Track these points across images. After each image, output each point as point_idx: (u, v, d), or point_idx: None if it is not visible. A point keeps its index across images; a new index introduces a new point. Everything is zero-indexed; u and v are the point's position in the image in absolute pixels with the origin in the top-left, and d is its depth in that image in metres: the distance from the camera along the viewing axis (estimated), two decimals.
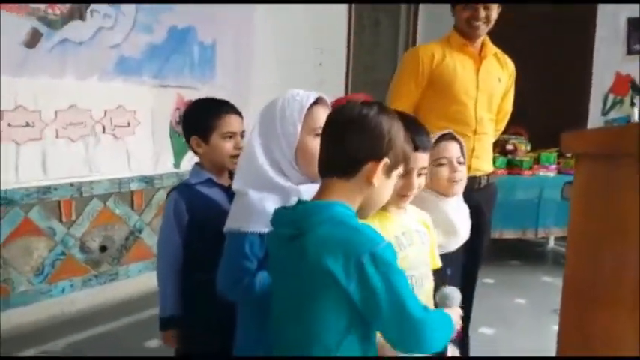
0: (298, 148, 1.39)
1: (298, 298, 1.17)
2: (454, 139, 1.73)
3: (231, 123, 1.77)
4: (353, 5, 4.92)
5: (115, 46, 3.25)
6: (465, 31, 2.35)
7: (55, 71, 2.98)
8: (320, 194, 1.20)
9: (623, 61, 4.72)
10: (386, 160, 1.15)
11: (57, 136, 3.03)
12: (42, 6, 2.90)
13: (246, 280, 1.38)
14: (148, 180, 3.52)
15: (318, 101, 1.42)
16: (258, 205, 1.37)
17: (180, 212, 1.73)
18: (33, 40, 2.88)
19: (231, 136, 1.76)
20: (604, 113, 4.84)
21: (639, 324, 1.69)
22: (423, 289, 1.43)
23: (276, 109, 1.41)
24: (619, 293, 1.75)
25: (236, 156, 1.72)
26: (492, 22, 2.34)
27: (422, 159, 1.44)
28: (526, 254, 4.65)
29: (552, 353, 1.85)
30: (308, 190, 1.33)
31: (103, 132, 3.23)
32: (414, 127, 1.41)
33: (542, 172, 4.20)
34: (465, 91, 2.35)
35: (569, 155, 4.10)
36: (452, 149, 1.70)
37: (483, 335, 2.57)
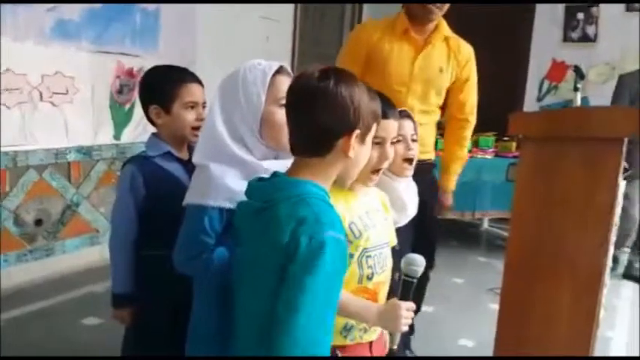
0: (263, 118, 1.36)
1: (255, 268, 1.16)
2: (408, 116, 1.74)
3: (194, 92, 1.70)
4: None
5: (53, 8, 3.06)
6: (418, 14, 2.25)
7: None
8: (293, 171, 1.18)
9: (560, 48, 4.91)
10: (357, 131, 1.13)
11: None
12: None
13: (204, 255, 1.35)
14: (86, 151, 3.37)
15: (280, 70, 1.39)
16: (218, 179, 1.34)
17: (136, 186, 1.66)
18: None
19: (193, 106, 1.69)
20: (539, 99, 5.04)
21: (576, 296, 1.81)
22: (385, 269, 1.44)
23: (238, 79, 1.37)
24: (558, 268, 1.84)
25: (197, 127, 1.67)
26: (446, 4, 2.24)
27: (393, 127, 1.43)
28: (461, 235, 4.80)
29: (489, 330, 1.93)
30: (272, 167, 1.31)
31: (41, 99, 3.06)
32: (382, 97, 1.41)
33: (480, 155, 4.31)
34: (398, 78, 2.28)
35: (506, 138, 4.26)
36: (407, 126, 1.72)
37: (424, 313, 2.65)
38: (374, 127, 1.19)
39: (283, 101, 1.25)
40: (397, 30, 2.28)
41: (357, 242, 1.34)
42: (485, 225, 5.02)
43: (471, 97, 2.40)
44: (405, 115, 1.73)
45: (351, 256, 1.33)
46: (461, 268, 3.94)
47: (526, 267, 1.91)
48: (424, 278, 2.33)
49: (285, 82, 1.34)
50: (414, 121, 1.72)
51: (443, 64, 2.30)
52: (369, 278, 1.37)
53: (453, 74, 2.32)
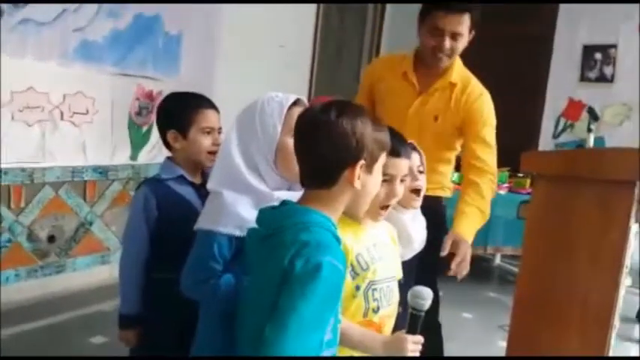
0: (278, 149, 1.39)
1: (257, 294, 1.17)
2: (414, 148, 1.75)
3: (211, 118, 1.74)
4: (321, 5, 4.92)
5: (79, 29, 3.14)
6: (426, 57, 2.14)
7: (14, 51, 2.86)
8: (302, 200, 1.20)
9: (577, 87, 4.92)
10: (361, 162, 1.15)
11: (12, 119, 2.90)
12: None
13: (211, 281, 1.37)
14: (102, 170, 3.41)
15: (297, 102, 1.43)
16: (230, 206, 1.37)
17: (149, 207, 1.69)
18: None
19: (209, 131, 1.73)
20: (555, 136, 5.03)
21: (585, 339, 1.78)
22: (391, 303, 1.44)
23: (255, 110, 1.41)
24: (568, 310, 1.83)
25: (213, 152, 1.70)
26: (457, 54, 2.12)
27: (404, 165, 1.45)
28: (473, 270, 4.72)
29: None
30: (284, 197, 1.33)
31: (61, 118, 3.12)
32: (393, 133, 1.42)
33: None
34: (393, 121, 2.07)
35: (520, 175, 4.24)
36: (413, 158, 1.72)
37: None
38: (382, 156, 1.20)
39: None
40: (398, 69, 2.20)
41: (364, 274, 1.35)
42: (498, 260, 4.98)
43: (480, 144, 2.11)
44: (412, 147, 1.74)
45: (358, 288, 1.33)
46: (471, 304, 3.89)
47: (535, 306, 1.89)
48: (435, 323, 2.29)
49: None
50: (420, 153, 1.73)
51: (439, 112, 2.14)
52: (375, 311, 1.37)
53: (452, 122, 2.14)
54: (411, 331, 1.35)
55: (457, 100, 2.13)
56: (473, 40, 2.13)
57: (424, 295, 1.38)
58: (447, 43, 2.04)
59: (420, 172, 1.70)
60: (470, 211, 2.04)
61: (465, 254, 1.85)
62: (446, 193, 2.28)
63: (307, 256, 1.06)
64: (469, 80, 2.16)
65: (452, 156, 2.25)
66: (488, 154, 2.10)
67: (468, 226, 2.01)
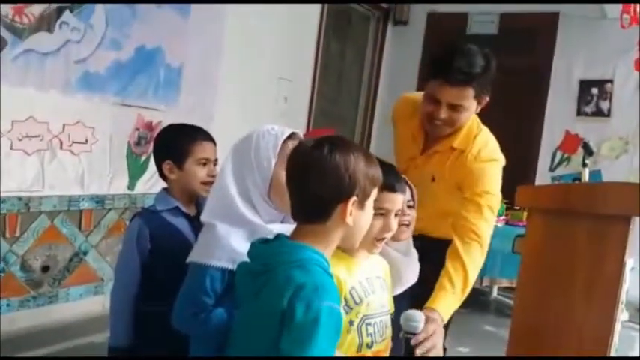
0: (272, 182, 1.40)
1: (250, 330, 1.17)
2: (405, 183, 1.75)
3: (207, 150, 1.77)
4: (322, 38, 4.99)
5: (81, 60, 3.18)
6: (425, 126, 2.00)
7: (16, 81, 2.88)
8: (295, 235, 1.20)
9: (574, 121, 4.95)
10: (353, 198, 1.15)
11: (12, 148, 2.91)
12: (10, 13, 2.81)
13: (202, 315, 1.37)
14: (99, 200, 3.41)
15: (292, 136, 1.45)
16: (223, 239, 1.37)
17: (143, 239, 1.70)
18: None
19: (205, 162, 1.76)
20: (552, 169, 5.05)
21: None
22: (385, 337, 1.43)
23: (251, 142, 1.43)
24: (564, 345, 1.81)
25: (209, 183, 1.71)
26: (460, 124, 1.93)
27: (399, 200, 1.46)
28: (470, 302, 4.69)
29: None
30: (277, 230, 1.34)
31: (60, 147, 3.13)
32: (389, 168, 1.44)
33: None
34: (399, 166, 2.09)
35: (517, 207, 4.25)
36: None
37: None
38: (374, 192, 1.21)
39: None
40: (409, 124, 2.09)
41: (357, 308, 1.34)
42: (495, 294, 4.94)
43: (471, 206, 1.92)
44: (404, 181, 1.75)
45: (351, 323, 1.33)
46: (467, 337, 3.84)
47: (530, 340, 1.88)
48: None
49: None
50: (411, 187, 1.73)
51: (436, 173, 2.03)
52: (369, 346, 1.37)
53: (449, 184, 2.01)
54: (408, 354, 1.38)
55: (454, 163, 2.00)
56: (486, 106, 1.97)
57: (416, 317, 1.40)
58: (444, 113, 1.88)
59: (410, 207, 1.70)
60: (450, 289, 1.80)
61: (432, 333, 1.55)
62: None
63: (306, 301, 1.06)
64: (474, 143, 1.98)
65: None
66: (473, 213, 1.89)
67: (445, 305, 1.76)
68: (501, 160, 2.02)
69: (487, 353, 3.47)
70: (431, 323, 1.58)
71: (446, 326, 2.05)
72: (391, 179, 1.39)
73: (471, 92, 1.87)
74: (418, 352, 1.48)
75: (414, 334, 1.41)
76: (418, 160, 2.08)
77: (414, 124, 2.08)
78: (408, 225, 1.69)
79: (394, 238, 1.66)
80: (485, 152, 1.98)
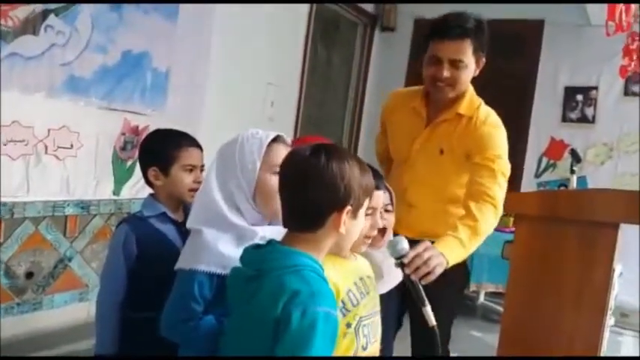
0: (257, 185, 1.40)
1: (243, 336, 1.16)
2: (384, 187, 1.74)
3: (193, 156, 1.75)
4: (309, 43, 4.99)
5: (66, 64, 3.13)
6: (429, 89, 2.05)
7: (1, 84, 2.83)
8: (287, 241, 1.19)
9: (559, 127, 5.00)
10: (348, 207, 1.15)
11: None
12: None
13: (191, 322, 1.36)
14: (84, 205, 3.36)
15: (277, 139, 1.45)
16: (211, 244, 1.36)
17: (129, 245, 1.68)
18: None
19: (191, 169, 1.74)
20: (537, 175, 5.08)
21: None
22: (377, 337, 1.43)
23: (235, 146, 1.43)
24: (554, 351, 1.82)
25: (195, 189, 1.70)
26: (463, 84, 1.99)
27: (382, 197, 1.49)
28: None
29: None
30: (265, 232, 1.34)
31: (45, 152, 3.08)
32: (371, 168, 1.44)
33: None
34: (398, 154, 2.17)
35: (504, 213, 4.26)
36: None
37: None
38: (366, 201, 1.22)
39: (277, 169, 1.30)
40: (409, 103, 2.12)
41: (355, 311, 1.34)
42: (482, 299, 4.95)
43: (480, 169, 1.92)
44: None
45: (349, 325, 1.32)
46: (455, 343, 3.83)
47: (520, 349, 1.88)
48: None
49: (281, 151, 1.40)
50: (390, 191, 1.72)
51: (444, 144, 2.03)
52: (364, 348, 1.36)
53: (458, 154, 2.01)
54: (419, 297, 1.46)
55: (462, 131, 2.00)
56: (483, 69, 2.02)
57: (400, 241, 1.49)
58: (446, 71, 1.93)
59: (387, 211, 1.70)
60: (452, 235, 1.80)
61: (423, 251, 1.57)
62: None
63: (302, 307, 1.05)
64: (479, 111, 2.03)
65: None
66: (487, 178, 1.90)
67: (446, 245, 1.75)
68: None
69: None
70: (421, 245, 1.61)
71: (446, 331, 2.05)
72: (375, 178, 1.40)
73: (468, 46, 1.93)
74: (413, 276, 1.52)
75: (405, 256, 1.48)
76: (423, 135, 2.06)
77: (415, 102, 2.10)
78: (385, 229, 1.68)
79: (372, 244, 1.65)
80: (492, 118, 2.03)
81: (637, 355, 4.01)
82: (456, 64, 1.94)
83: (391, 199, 1.72)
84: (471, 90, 2.06)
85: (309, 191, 1.14)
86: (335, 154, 1.16)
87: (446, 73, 1.94)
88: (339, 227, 1.15)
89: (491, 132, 1.99)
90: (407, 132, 2.11)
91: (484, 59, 2.01)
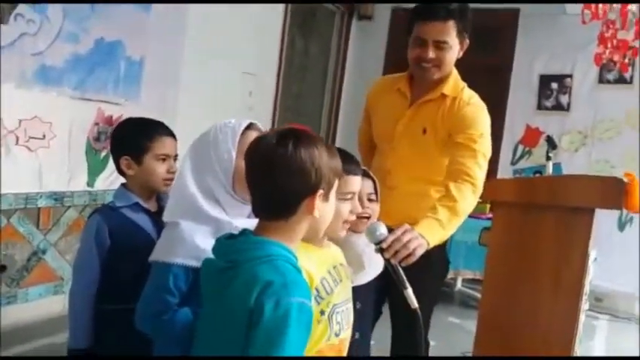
0: (235, 174, 1.38)
1: (217, 328, 1.14)
2: (368, 175, 1.74)
3: (166, 145, 1.72)
4: (286, 33, 4.95)
5: (37, 53, 3.06)
6: (414, 72, 2.06)
7: None
8: (259, 230, 1.18)
9: (534, 115, 5.05)
10: (320, 191, 1.15)
11: None
12: None
13: (166, 315, 1.34)
14: (58, 197, 3.30)
15: (250, 127, 1.44)
16: (187, 236, 1.35)
17: (102, 236, 1.64)
18: None
19: (164, 158, 1.71)
20: (513, 162, 5.13)
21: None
22: (349, 324, 1.43)
23: (208, 138, 1.42)
24: (532, 337, 1.84)
25: (169, 179, 1.67)
26: (448, 65, 2.01)
27: (359, 182, 1.49)
28: None
29: None
30: (243, 225, 1.32)
31: (16, 143, 3.02)
32: (347, 156, 1.46)
33: None
34: (382, 136, 2.16)
35: (480, 200, 4.30)
36: (365, 185, 1.71)
37: None
38: (336, 182, 1.21)
39: None
40: (394, 86, 2.13)
41: (329, 298, 1.33)
42: (459, 285, 5.00)
43: (460, 149, 1.92)
44: (365, 174, 1.74)
45: (322, 313, 1.32)
46: (433, 330, 3.86)
47: (498, 335, 1.90)
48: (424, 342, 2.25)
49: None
50: (374, 180, 1.72)
51: (427, 124, 2.03)
52: (337, 334, 1.36)
53: (441, 134, 2.01)
54: (400, 281, 1.46)
55: (447, 111, 2.01)
56: (465, 53, 2.04)
57: (378, 226, 1.51)
58: (431, 52, 1.95)
59: (371, 201, 1.69)
60: (432, 216, 1.78)
61: (402, 235, 1.57)
62: None
63: (275, 298, 1.04)
64: (463, 92, 2.05)
65: None
66: (467, 158, 1.90)
67: (426, 226, 1.72)
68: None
69: (453, 345, 3.50)
70: (400, 228, 1.59)
71: (426, 319, 2.04)
72: (352, 164, 1.44)
73: (452, 27, 1.95)
74: (392, 260, 1.51)
75: (383, 241, 1.49)
76: (407, 115, 2.07)
77: (399, 84, 2.11)
78: (368, 217, 1.68)
79: (353, 230, 1.65)
80: (476, 99, 2.05)
81: (608, 337, 4.08)
82: (440, 46, 1.96)
83: (375, 189, 1.71)
84: (455, 72, 2.08)
85: (277, 179, 1.12)
86: (302, 139, 1.15)
87: (431, 54, 1.96)
88: (313, 211, 1.15)
89: (474, 112, 2.00)
90: (391, 113, 2.11)
91: (467, 41, 2.02)
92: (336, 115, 5.77)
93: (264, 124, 1.48)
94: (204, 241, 1.32)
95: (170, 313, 1.33)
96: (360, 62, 5.63)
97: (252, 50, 4.56)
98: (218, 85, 4.18)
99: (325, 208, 1.19)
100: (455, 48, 1.99)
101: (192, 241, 1.33)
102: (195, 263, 1.32)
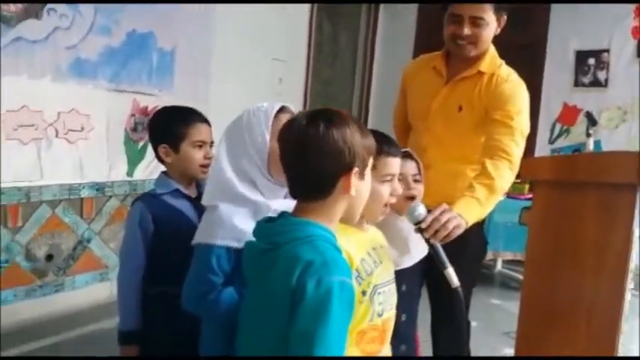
0: (270, 155, 1.40)
1: (260, 310, 1.16)
2: (411, 157, 1.74)
3: (202, 132, 1.76)
4: (314, 19, 4.93)
5: (71, 47, 3.13)
6: (450, 49, 2.03)
7: (7, 70, 2.84)
8: (297, 212, 1.19)
9: (571, 92, 4.93)
10: (355, 169, 1.15)
11: (7, 138, 2.88)
12: None
13: (212, 295, 1.37)
14: (99, 187, 3.39)
15: (282, 110, 1.45)
16: (226, 218, 1.37)
17: (145, 223, 1.69)
18: None
19: (201, 145, 1.75)
20: (551, 141, 5.03)
21: (592, 346, 1.77)
22: (392, 305, 1.43)
23: (242, 122, 1.43)
24: (575, 316, 1.81)
25: (206, 165, 1.71)
26: (485, 42, 1.98)
27: (398, 163, 1.48)
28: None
29: None
30: (281, 207, 1.33)
31: (56, 136, 3.10)
32: (386, 137, 1.47)
33: None
34: (417, 114, 2.15)
35: (518, 180, 4.24)
36: (409, 166, 1.71)
37: None
38: (370, 160, 1.21)
39: None
40: (430, 64, 2.11)
41: (369, 279, 1.34)
42: (499, 267, 4.95)
43: (497, 126, 1.90)
44: (408, 155, 1.74)
45: (364, 293, 1.33)
46: (474, 311, 3.82)
47: (541, 314, 1.88)
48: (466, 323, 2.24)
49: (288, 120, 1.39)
50: (417, 162, 1.72)
51: (464, 101, 2.00)
52: (380, 315, 1.37)
53: (477, 112, 1.99)
54: (440, 261, 1.46)
55: (484, 88, 1.98)
56: (505, 27, 2.00)
57: (417, 207, 1.51)
58: (467, 29, 1.92)
59: (416, 181, 1.69)
60: (469, 194, 1.78)
61: (440, 215, 1.57)
62: None
63: (317, 277, 1.05)
64: (501, 69, 2.02)
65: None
66: (504, 135, 1.88)
67: (464, 205, 1.73)
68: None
69: (495, 326, 3.50)
70: (438, 208, 1.59)
71: (466, 299, 2.03)
72: (391, 146, 1.43)
73: (489, 4, 1.91)
74: (432, 239, 1.52)
75: (423, 221, 1.50)
76: (443, 92, 2.04)
77: (435, 62, 2.09)
78: (413, 198, 1.68)
79: (399, 212, 1.66)
80: (514, 76, 2.01)
81: None
82: (476, 22, 1.93)
83: (419, 170, 1.71)
84: (492, 49, 2.04)
85: (311, 160, 1.13)
86: (333, 119, 1.15)
87: (466, 31, 1.93)
88: (349, 190, 1.15)
89: (512, 89, 1.97)
90: (426, 91, 2.09)
91: (505, 17, 1.98)
92: (367, 100, 5.73)
93: (295, 111, 1.49)
94: (242, 222, 1.35)
95: (215, 293, 1.36)
96: (390, 45, 5.56)
97: (281, 37, 4.57)
98: (248, 73, 4.21)
99: (361, 187, 1.19)
100: (492, 24, 1.96)
101: (231, 222, 1.36)
102: (236, 244, 1.35)
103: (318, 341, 1.03)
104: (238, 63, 4.12)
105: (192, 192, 1.77)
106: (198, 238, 1.41)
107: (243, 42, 4.13)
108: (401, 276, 1.54)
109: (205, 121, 1.79)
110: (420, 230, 1.52)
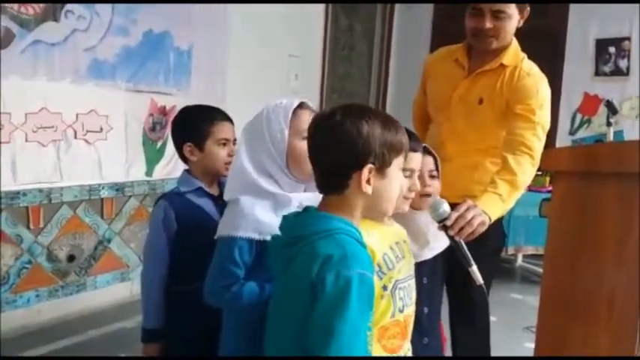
0: (288, 152, 1.41)
1: (282, 303, 1.17)
2: (429, 152, 1.72)
3: (226, 130, 1.77)
4: (329, 14, 4.92)
5: (89, 48, 3.16)
6: (472, 43, 2.02)
7: (27, 72, 2.88)
8: (321, 206, 1.20)
9: (592, 82, 4.85)
10: (369, 166, 1.11)
11: (26, 140, 2.92)
12: (15, 5, 2.80)
13: (234, 287, 1.38)
14: (119, 187, 3.42)
15: (301, 106, 1.45)
16: (248, 210, 1.38)
17: (169, 221, 1.70)
18: (5, 40, 2.77)
19: (225, 142, 1.77)
20: (572, 132, 4.96)
21: (614, 337, 1.74)
22: (413, 300, 1.43)
23: (262, 118, 1.44)
24: (595, 308, 1.78)
25: (230, 163, 1.72)
26: (507, 35, 1.97)
27: (419, 158, 1.48)
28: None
29: None
30: (301, 199, 1.35)
31: (75, 137, 3.13)
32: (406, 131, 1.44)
33: None
34: (437, 105, 2.14)
35: (539, 173, 4.19)
36: (426, 162, 1.69)
37: None
38: (396, 160, 1.16)
39: (305, 134, 1.31)
40: (452, 56, 2.09)
41: (390, 274, 1.33)
42: (520, 261, 4.90)
43: (518, 121, 1.89)
44: (426, 150, 1.72)
45: (385, 288, 1.32)
46: (495, 306, 3.80)
47: (562, 306, 1.85)
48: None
49: (306, 116, 1.41)
50: (435, 157, 1.70)
51: (485, 94, 1.99)
52: (401, 310, 1.36)
53: (498, 105, 1.97)
54: (465, 258, 1.45)
55: (506, 81, 1.97)
56: (528, 18, 1.98)
57: (440, 203, 1.49)
58: (488, 22, 1.91)
59: (432, 177, 1.68)
60: (492, 190, 1.77)
61: (465, 211, 1.57)
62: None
63: (336, 270, 1.04)
64: (523, 62, 2.00)
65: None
66: (525, 129, 1.87)
67: (487, 202, 1.72)
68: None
69: (517, 322, 3.46)
70: (463, 205, 1.59)
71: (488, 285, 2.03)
72: (411, 140, 1.39)
73: None
74: (457, 237, 1.51)
75: (447, 218, 1.48)
76: (464, 84, 2.03)
77: (457, 54, 2.07)
78: (430, 195, 1.66)
79: (415, 207, 1.64)
80: (536, 70, 1.99)
81: None
82: (498, 15, 1.91)
83: (436, 165, 1.70)
84: (515, 42, 2.02)
85: (327, 151, 1.12)
86: (352, 111, 1.12)
87: (488, 24, 1.92)
88: (362, 187, 1.11)
89: (534, 83, 1.96)
90: (447, 83, 2.08)
91: (528, 9, 1.96)
92: (384, 95, 5.71)
93: (313, 107, 1.50)
94: (264, 214, 1.36)
95: (237, 285, 1.37)
96: (406, 40, 5.53)
97: (297, 33, 4.56)
98: (265, 70, 4.21)
99: (381, 186, 1.14)
100: (514, 17, 1.94)
101: (252, 214, 1.37)
102: (257, 236, 1.36)
103: (337, 335, 1.02)
104: (254, 60, 4.13)
105: (214, 190, 1.79)
106: (221, 231, 1.42)
107: (258, 39, 4.14)
108: (422, 269, 1.54)
109: (228, 119, 1.81)
110: (445, 228, 1.50)
